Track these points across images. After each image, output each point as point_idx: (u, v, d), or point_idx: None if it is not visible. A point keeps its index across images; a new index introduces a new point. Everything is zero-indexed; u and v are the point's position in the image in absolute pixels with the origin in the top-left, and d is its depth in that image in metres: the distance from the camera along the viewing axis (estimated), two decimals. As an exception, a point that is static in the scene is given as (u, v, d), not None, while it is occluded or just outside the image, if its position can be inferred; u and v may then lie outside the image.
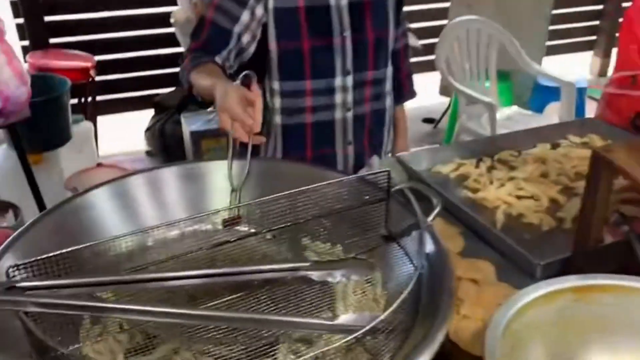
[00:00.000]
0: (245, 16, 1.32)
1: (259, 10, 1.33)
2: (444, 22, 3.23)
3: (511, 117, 2.84)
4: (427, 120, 3.87)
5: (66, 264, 0.68)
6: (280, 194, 0.79)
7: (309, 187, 0.81)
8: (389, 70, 1.48)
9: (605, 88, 1.50)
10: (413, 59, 3.62)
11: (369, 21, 1.38)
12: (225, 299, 0.73)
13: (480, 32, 2.84)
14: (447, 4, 3.60)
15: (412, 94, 1.65)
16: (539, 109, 3.06)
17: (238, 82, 1.03)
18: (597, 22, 4.54)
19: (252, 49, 1.36)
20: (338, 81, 1.38)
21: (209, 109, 3.50)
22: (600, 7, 4.43)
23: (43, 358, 0.61)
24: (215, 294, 0.74)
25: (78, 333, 0.71)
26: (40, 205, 2.38)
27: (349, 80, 1.39)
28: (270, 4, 1.33)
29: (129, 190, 0.93)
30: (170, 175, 0.95)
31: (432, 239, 0.87)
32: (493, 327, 0.76)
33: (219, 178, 0.95)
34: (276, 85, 1.39)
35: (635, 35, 1.39)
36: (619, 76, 1.41)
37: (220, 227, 0.76)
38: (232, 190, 0.90)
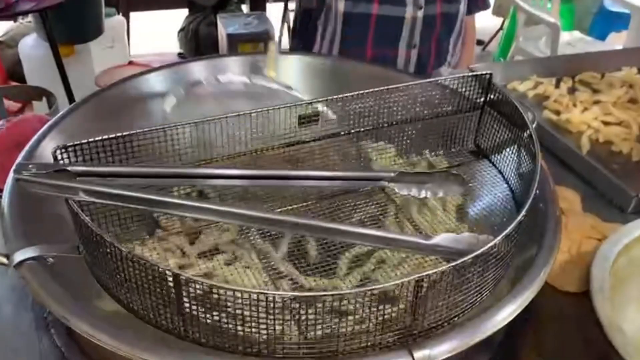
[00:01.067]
0: None
1: None
2: None
3: (571, 42, 2.63)
4: (477, 42, 3.64)
5: (120, 150, 0.59)
6: (364, 91, 0.67)
7: (398, 85, 0.69)
8: None
9: None
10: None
11: None
12: (299, 205, 0.64)
13: (548, -57, 2.57)
14: None
15: (486, 4, 1.49)
16: (600, 36, 2.83)
17: None
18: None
19: None
20: None
21: (246, 12, 3.33)
22: None
23: (93, 253, 0.52)
24: (295, 198, 0.65)
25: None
26: (71, 99, 2.29)
27: None
28: None
29: (183, 77, 0.82)
30: (233, 64, 0.84)
31: (531, 157, 0.76)
32: (600, 262, 0.66)
33: (286, 72, 0.84)
34: None
35: None
36: None
37: (296, 123, 0.65)
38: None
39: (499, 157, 0.75)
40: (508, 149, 0.73)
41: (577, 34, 2.75)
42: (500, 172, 0.74)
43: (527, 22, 2.59)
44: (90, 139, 0.56)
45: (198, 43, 3.21)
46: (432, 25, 1.31)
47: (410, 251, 0.58)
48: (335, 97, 0.66)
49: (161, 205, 0.54)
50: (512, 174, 0.71)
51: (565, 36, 2.69)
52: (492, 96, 0.74)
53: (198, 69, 0.83)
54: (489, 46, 3.54)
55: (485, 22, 3.57)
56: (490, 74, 0.72)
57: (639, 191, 0.89)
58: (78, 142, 0.56)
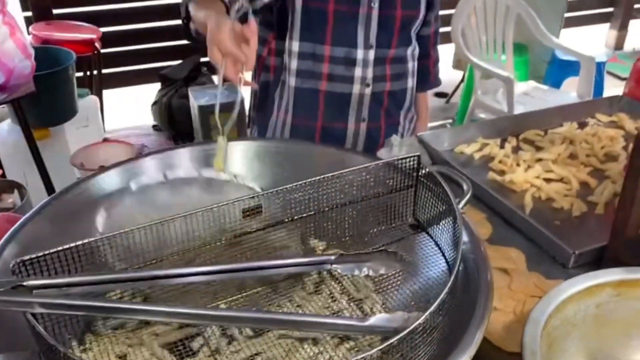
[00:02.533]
0: None
1: None
2: (459, -7, 3.12)
3: (528, 92, 2.75)
4: (439, 95, 3.78)
5: (75, 257, 0.63)
6: (303, 181, 0.73)
7: (334, 173, 0.75)
8: (412, 50, 1.40)
9: (636, 62, 1.43)
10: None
11: None
12: (245, 294, 0.69)
13: (497, 3, 2.73)
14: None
15: (437, 82, 1.59)
16: (555, 83, 2.97)
17: (234, 15, 0.95)
18: (614, -7, 4.41)
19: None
20: (359, 54, 1.31)
21: (217, 83, 3.44)
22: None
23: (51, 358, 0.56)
24: (234, 288, 0.69)
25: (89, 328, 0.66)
26: (47, 181, 2.34)
27: (371, 54, 1.32)
28: None
29: (141, 173, 0.88)
30: (185, 156, 0.90)
31: (464, 228, 0.81)
32: (532, 324, 0.71)
33: (235, 159, 0.90)
34: (295, 45, 1.32)
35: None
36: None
37: (239, 217, 0.70)
38: (219, 135, 0.86)
39: (435, 230, 0.81)
40: (443, 222, 0.79)
41: (532, 83, 2.88)
42: (437, 245, 0.80)
43: (484, 75, 2.72)
44: (45, 252, 0.61)
45: (171, 115, 3.29)
46: (381, 101, 1.39)
47: (348, 333, 0.62)
48: (275, 189, 0.71)
49: (112, 311, 0.59)
50: (448, 246, 0.77)
51: (521, 86, 2.82)
52: (422, 175, 0.80)
53: (152, 164, 0.89)
54: (452, 98, 3.67)
55: (447, 75, 3.73)
56: (418, 156, 0.79)
57: (577, 248, 0.95)
58: (34, 256, 0.61)
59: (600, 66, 2.82)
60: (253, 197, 0.70)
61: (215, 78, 3.57)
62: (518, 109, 2.49)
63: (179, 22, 3.22)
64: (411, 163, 0.80)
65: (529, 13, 2.73)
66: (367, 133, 1.41)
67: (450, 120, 3.42)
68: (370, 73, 1.34)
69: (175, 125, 3.30)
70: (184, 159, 0.90)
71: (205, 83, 3.34)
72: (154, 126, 3.46)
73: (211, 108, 2.92)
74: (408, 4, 1.33)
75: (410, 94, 1.45)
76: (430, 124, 3.04)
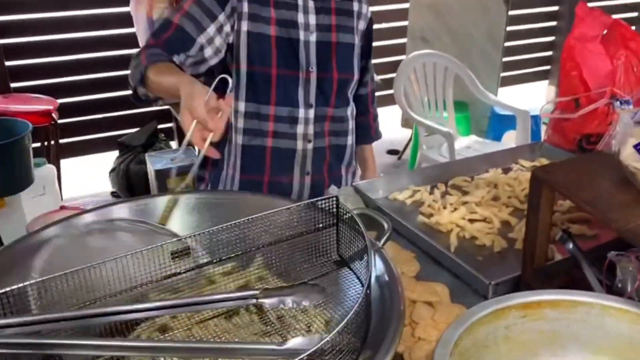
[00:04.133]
0: (211, 29, 1.32)
1: (227, 28, 1.34)
2: (402, 57, 3.33)
3: (470, 145, 2.91)
4: (391, 152, 3.93)
5: (11, 301, 0.68)
6: (228, 223, 0.80)
7: (259, 215, 0.82)
8: (350, 110, 1.51)
9: (551, 113, 1.56)
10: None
11: (334, 61, 1.42)
12: (175, 332, 0.74)
13: (436, 65, 2.93)
14: (404, 40, 3.71)
15: (378, 135, 1.71)
16: (497, 137, 3.15)
17: (213, 85, 1.01)
18: (550, 53, 4.72)
19: (212, 62, 1.36)
20: (301, 112, 1.41)
21: (174, 148, 3.53)
22: (552, 38, 4.62)
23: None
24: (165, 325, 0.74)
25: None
26: (0, 250, 2.33)
27: (311, 113, 1.42)
28: (244, 27, 1.35)
29: (81, 227, 0.93)
30: (124, 211, 0.96)
31: (383, 263, 0.89)
32: (442, 346, 0.77)
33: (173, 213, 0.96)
34: (241, 106, 1.41)
35: (575, 62, 1.46)
36: (562, 101, 1.47)
37: (169, 259, 0.76)
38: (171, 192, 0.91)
39: (357, 265, 0.88)
40: (363, 258, 0.86)
41: (474, 137, 3.05)
42: (358, 278, 0.87)
43: (428, 132, 2.87)
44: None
45: (129, 181, 3.34)
46: (323, 155, 1.49)
47: (269, 357, 0.68)
48: (201, 231, 0.78)
49: (44, 347, 0.63)
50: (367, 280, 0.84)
51: (464, 140, 2.98)
52: (345, 216, 0.88)
53: (93, 217, 0.95)
54: (404, 154, 3.82)
55: (398, 134, 3.90)
56: (337, 197, 0.87)
57: (494, 279, 1.03)
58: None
59: (536, 118, 3.01)
60: (180, 239, 0.76)
61: (173, 144, 3.66)
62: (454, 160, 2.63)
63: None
64: (331, 204, 0.87)
65: (466, 73, 2.93)
66: (312, 185, 1.49)
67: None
68: (311, 130, 1.44)
69: (134, 191, 3.34)
70: (122, 213, 0.96)
71: (163, 149, 3.42)
72: (112, 193, 3.49)
73: (167, 172, 2.99)
74: (343, 68, 1.44)
75: (350, 150, 1.55)
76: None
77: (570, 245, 0.99)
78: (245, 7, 1.34)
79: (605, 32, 1.47)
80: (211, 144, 0.96)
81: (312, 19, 1.39)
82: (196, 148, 0.99)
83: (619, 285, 0.91)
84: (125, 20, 3.16)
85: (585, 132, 1.43)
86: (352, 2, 1.46)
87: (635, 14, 4.93)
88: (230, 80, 1.03)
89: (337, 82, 1.44)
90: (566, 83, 1.45)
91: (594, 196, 0.87)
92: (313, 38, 1.39)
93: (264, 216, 0.83)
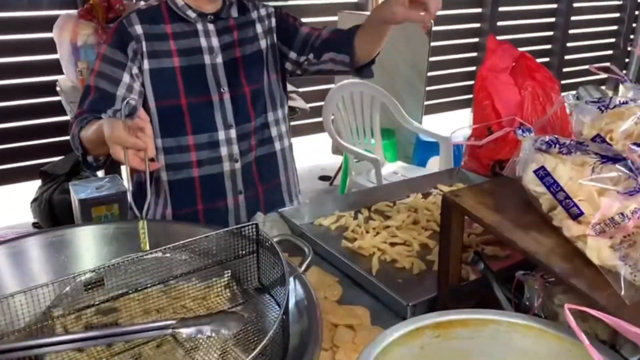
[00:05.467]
0: (126, 77, 1.35)
1: (135, 70, 1.36)
2: (330, 85, 3.40)
3: (396, 171, 3.00)
4: (323, 178, 3.99)
5: None
6: (145, 252, 0.79)
7: (177, 243, 0.82)
8: (274, 114, 1.52)
9: (467, 140, 1.64)
10: (303, 121, 3.76)
11: (243, 76, 1.45)
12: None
13: (363, 94, 3.01)
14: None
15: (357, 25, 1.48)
16: (422, 162, 3.26)
17: (123, 111, 1.02)
18: (471, 82, 4.96)
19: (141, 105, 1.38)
20: (221, 135, 1.43)
21: (100, 176, 3.42)
22: (473, 68, 4.85)
23: None
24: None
25: None
26: None
27: (232, 132, 1.44)
28: (145, 65, 1.37)
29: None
30: (36, 243, 0.93)
31: (303, 288, 0.90)
32: (357, 369, 0.79)
33: (88, 243, 0.95)
34: (159, 142, 1.41)
35: (487, 91, 1.55)
36: (476, 128, 1.55)
37: (83, 290, 0.75)
38: (140, 219, 0.91)
39: (277, 291, 0.89)
40: (283, 285, 0.87)
41: (401, 163, 3.15)
42: (278, 304, 0.88)
43: (356, 158, 2.93)
44: None
45: (52, 211, 3.21)
46: (252, 170, 1.49)
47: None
48: (116, 262, 0.77)
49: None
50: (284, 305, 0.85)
51: (391, 166, 3.07)
52: (264, 243, 0.89)
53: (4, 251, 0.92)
54: (336, 180, 3.88)
55: (328, 160, 3.96)
56: (256, 224, 0.88)
57: (412, 300, 1.06)
58: None
59: (459, 147, 3.13)
60: (94, 270, 0.75)
61: (99, 173, 3.56)
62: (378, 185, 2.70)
63: (58, 118, 3.23)
64: (251, 232, 0.89)
65: (392, 102, 3.03)
66: (246, 204, 1.50)
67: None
68: (235, 149, 1.45)
69: (57, 222, 3.21)
70: (35, 246, 0.94)
71: (89, 177, 3.32)
72: (34, 224, 3.34)
73: (92, 202, 2.90)
74: (253, 79, 1.47)
75: (281, 156, 1.55)
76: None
77: (482, 266, 1.04)
78: (144, 47, 1.37)
79: (513, 64, 1.57)
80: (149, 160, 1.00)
81: (215, 42, 1.42)
82: (124, 177, 0.99)
83: (526, 303, 0.96)
84: (49, 46, 3.07)
85: (497, 158, 1.51)
86: (250, 12, 1.50)
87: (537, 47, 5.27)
88: (134, 99, 1.06)
89: (250, 94, 1.47)
90: (479, 111, 1.54)
91: (499, 219, 0.92)
92: (219, 60, 1.42)
93: (183, 245, 0.83)
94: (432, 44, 3.38)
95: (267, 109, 1.52)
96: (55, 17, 2.91)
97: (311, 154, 4.14)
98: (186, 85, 1.38)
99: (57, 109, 3.24)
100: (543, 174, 0.91)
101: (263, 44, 1.50)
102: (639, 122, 1.03)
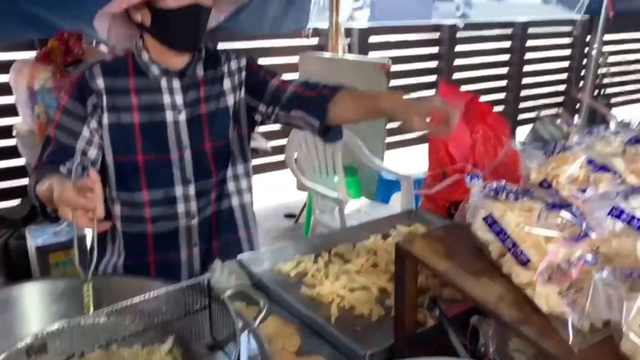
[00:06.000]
0: (85, 131, 1.34)
1: (94, 124, 1.35)
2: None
3: (360, 209, 3.01)
4: (288, 216, 3.98)
5: None
6: (89, 315, 0.78)
7: (127, 302, 0.81)
8: (232, 170, 1.49)
9: (424, 181, 1.67)
10: (265, 160, 3.77)
11: (207, 133, 1.42)
12: None
13: (325, 132, 3.03)
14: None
15: (335, 89, 1.41)
16: (385, 199, 3.28)
17: (74, 172, 1.02)
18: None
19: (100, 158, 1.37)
20: (178, 191, 1.40)
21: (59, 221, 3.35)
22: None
23: None
24: None
25: None
26: None
27: (191, 189, 1.41)
28: (105, 120, 1.35)
29: None
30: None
31: (257, 343, 0.89)
32: None
33: (35, 300, 0.92)
34: (114, 194, 1.39)
35: (441, 139, 1.58)
36: (431, 170, 1.58)
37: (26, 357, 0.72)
38: (83, 282, 0.88)
39: (230, 347, 0.88)
40: (235, 339, 0.86)
41: (364, 200, 3.17)
42: (231, 361, 0.86)
43: (320, 195, 2.94)
44: None
45: (8, 258, 3.11)
46: (209, 225, 1.48)
47: None
48: (59, 326, 0.75)
49: None
50: (238, 361, 0.84)
51: (354, 204, 3.08)
52: (214, 297, 0.88)
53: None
54: (301, 217, 3.87)
55: (293, 197, 3.96)
56: (208, 279, 0.87)
57: (370, 349, 1.06)
58: None
59: (419, 182, 3.18)
60: (36, 336, 0.73)
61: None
62: (353, 224, 2.70)
63: (13, 162, 3.14)
64: (202, 286, 0.88)
65: (354, 140, 3.06)
66: (201, 256, 1.47)
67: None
68: (194, 206, 1.42)
69: (13, 269, 3.11)
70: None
71: (44, 222, 3.24)
72: (-12, 271, 3.23)
73: (49, 248, 2.82)
74: (217, 136, 1.44)
75: (240, 211, 1.52)
76: (279, 245, 3.13)
77: (437, 312, 1.05)
78: (105, 101, 1.35)
79: (464, 107, 1.61)
80: (98, 220, 0.99)
81: (179, 99, 1.39)
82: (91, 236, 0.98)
83: (482, 349, 0.97)
84: (5, 89, 3.02)
85: (452, 200, 1.54)
86: (221, 66, 1.45)
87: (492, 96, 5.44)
88: (85, 159, 1.05)
89: (212, 151, 1.44)
90: (434, 155, 1.57)
91: (450, 266, 0.93)
92: (183, 117, 1.39)
93: (131, 305, 0.81)
94: (391, 83, 3.45)
95: (234, 162, 1.49)
96: (12, 61, 2.87)
97: (275, 191, 4.14)
98: (145, 142, 1.36)
99: (13, 152, 3.17)
100: (491, 222, 0.92)
101: (230, 100, 1.45)
102: (583, 167, 1.06)
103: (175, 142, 1.39)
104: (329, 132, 1.40)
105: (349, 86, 1.42)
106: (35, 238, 2.89)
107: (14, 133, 3.00)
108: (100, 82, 1.36)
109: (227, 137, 1.47)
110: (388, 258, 1.45)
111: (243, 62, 1.48)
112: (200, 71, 1.43)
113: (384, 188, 3.36)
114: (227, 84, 1.46)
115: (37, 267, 2.89)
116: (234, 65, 1.47)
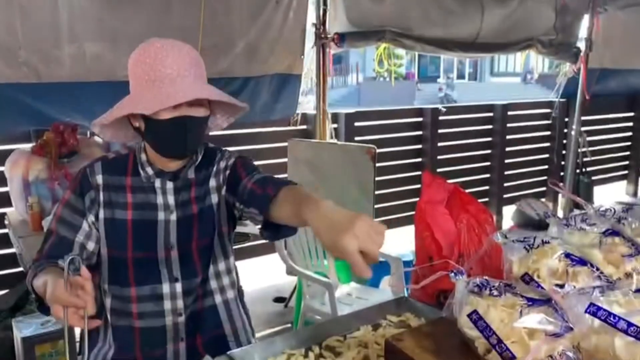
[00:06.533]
0: (85, 225, 1.39)
1: (91, 218, 1.39)
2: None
3: (350, 292, 3.02)
4: (278, 300, 3.95)
5: None
6: None
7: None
8: (214, 267, 1.50)
9: (413, 272, 1.71)
10: (256, 243, 3.78)
11: (195, 232, 1.46)
12: None
13: (314, 216, 3.08)
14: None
15: (278, 186, 1.33)
16: (375, 283, 3.29)
17: (66, 270, 1.04)
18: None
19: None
20: (165, 288, 1.42)
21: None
22: (418, 185, 5.07)
23: None
24: None
25: None
26: None
27: (178, 287, 1.43)
28: (101, 214, 1.40)
29: None
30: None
31: None
32: None
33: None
34: (106, 287, 1.42)
35: (426, 223, 1.64)
36: (419, 258, 1.62)
37: None
38: None
39: None
40: None
41: (354, 284, 3.18)
42: None
43: (310, 280, 2.94)
44: None
45: (-7, 349, 3.05)
46: (196, 320, 1.48)
47: None
48: None
49: None
50: None
51: (345, 288, 3.09)
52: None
53: None
54: (291, 302, 3.85)
55: (283, 280, 3.95)
56: None
57: None
58: None
59: (409, 264, 3.20)
60: None
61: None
62: (344, 309, 2.70)
63: (4, 251, 3.13)
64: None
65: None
66: (187, 351, 1.47)
67: (289, 325, 3.55)
68: (180, 304, 1.44)
69: (-3, 360, 3.04)
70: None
71: (34, 311, 3.19)
72: (-29, 363, 3.15)
73: (36, 339, 2.78)
74: (203, 234, 1.47)
75: (223, 307, 1.53)
76: (268, 330, 3.11)
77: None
78: (102, 197, 1.41)
79: (448, 197, 1.68)
80: (90, 317, 1.02)
81: (171, 199, 1.43)
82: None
83: None
84: (-1, 179, 3.08)
85: (440, 288, 1.57)
86: (211, 167, 1.48)
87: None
88: (78, 257, 1.08)
89: (198, 250, 1.47)
90: (420, 243, 1.62)
91: (439, 363, 0.96)
92: (174, 217, 1.43)
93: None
94: (377, 164, 3.54)
95: (218, 260, 1.51)
96: (7, 152, 2.94)
97: (265, 275, 4.13)
98: (135, 238, 1.40)
99: (4, 241, 3.18)
100: (476, 318, 0.96)
101: (215, 198, 1.48)
102: (561, 260, 1.11)
103: (163, 242, 1.43)
104: (269, 229, 1.36)
105: (292, 186, 1.33)
106: (22, 330, 2.84)
107: (5, 222, 3.02)
108: (99, 178, 1.42)
109: (213, 236, 1.49)
110: (379, 350, 1.45)
111: (231, 161, 1.49)
112: (191, 174, 1.47)
113: (374, 271, 3.35)
114: (212, 182, 1.48)
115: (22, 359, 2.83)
116: (222, 164, 1.49)
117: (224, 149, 1.55)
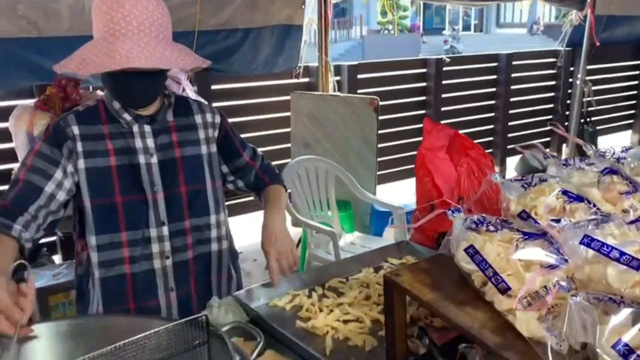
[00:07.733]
0: (58, 174, 1.38)
1: (70, 169, 1.39)
2: (288, 160, 3.50)
3: (354, 242, 3.06)
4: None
5: None
6: (93, 354, 0.82)
7: (127, 341, 0.85)
8: (216, 217, 1.54)
9: (414, 213, 1.73)
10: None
11: (182, 176, 1.48)
12: None
13: (317, 168, 3.11)
14: (288, 145, 3.91)
15: (274, 181, 1.73)
16: (378, 232, 3.34)
17: (10, 272, 1.04)
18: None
19: (69, 205, 1.42)
20: (153, 232, 1.45)
21: (57, 263, 3.37)
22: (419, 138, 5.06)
23: None
24: None
25: None
26: None
27: (165, 230, 1.46)
28: (81, 165, 1.40)
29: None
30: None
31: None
32: None
33: (41, 342, 0.96)
34: (93, 240, 1.42)
35: (427, 169, 1.65)
36: (420, 202, 1.64)
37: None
38: None
39: (229, 380, 0.92)
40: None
41: (358, 233, 3.22)
42: (230, 394, 0.90)
43: (315, 230, 2.99)
44: None
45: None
46: (186, 269, 1.51)
47: None
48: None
49: None
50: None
51: (348, 237, 3.14)
52: (212, 333, 0.92)
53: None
54: (296, 253, 3.91)
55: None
56: (206, 316, 0.92)
57: (363, 379, 1.10)
58: None
59: (411, 213, 3.23)
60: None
61: (56, 258, 3.50)
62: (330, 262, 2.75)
63: None
64: (201, 323, 0.92)
65: (346, 175, 3.13)
66: (179, 301, 1.51)
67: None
68: (167, 246, 1.47)
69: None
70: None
71: (45, 264, 3.26)
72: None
73: (49, 290, 2.85)
74: (193, 180, 1.50)
75: (217, 257, 1.56)
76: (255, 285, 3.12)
77: (426, 341, 1.09)
78: (80, 147, 1.40)
79: (448, 142, 1.68)
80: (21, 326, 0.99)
81: (150, 142, 1.46)
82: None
83: (469, 374, 1.01)
84: (5, 135, 3.09)
85: (440, 231, 1.60)
86: (192, 116, 1.54)
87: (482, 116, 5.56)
88: (28, 265, 1.08)
89: (187, 195, 1.49)
90: (421, 188, 1.63)
91: (436, 296, 0.98)
92: (154, 160, 1.46)
93: (132, 342, 0.86)
94: (380, 117, 3.54)
95: (210, 211, 1.53)
96: (11, 108, 2.95)
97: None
98: (121, 183, 1.42)
99: None
100: (472, 252, 0.98)
101: (204, 149, 1.53)
102: (559, 197, 1.13)
103: (149, 184, 1.44)
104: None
105: (276, 186, 1.71)
106: (35, 280, 2.91)
107: (13, 177, 3.05)
108: (75, 129, 1.41)
109: (205, 184, 1.53)
110: (380, 290, 1.49)
111: (217, 119, 1.58)
112: (170, 116, 1.50)
113: (377, 221, 3.41)
114: (201, 134, 1.54)
115: (36, 310, 2.90)
116: (209, 118, 1.57)
117: (197, 100, 1.62)
